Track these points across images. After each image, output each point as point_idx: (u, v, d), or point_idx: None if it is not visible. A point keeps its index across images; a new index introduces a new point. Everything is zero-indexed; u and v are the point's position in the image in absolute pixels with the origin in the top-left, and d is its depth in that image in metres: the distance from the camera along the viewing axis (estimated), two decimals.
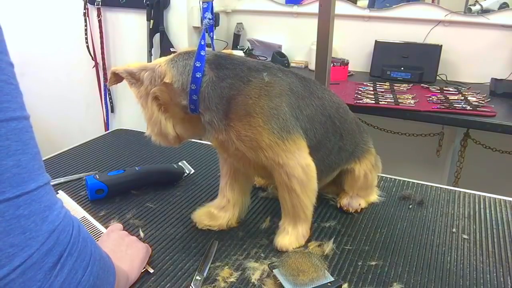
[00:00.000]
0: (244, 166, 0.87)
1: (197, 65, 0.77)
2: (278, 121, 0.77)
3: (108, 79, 0.85)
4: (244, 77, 0.78)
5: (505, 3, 2.19)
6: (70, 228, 0.45)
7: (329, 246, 0.84)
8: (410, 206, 1.02)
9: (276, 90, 0.79)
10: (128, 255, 0.74)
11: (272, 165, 0.80)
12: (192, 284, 0.73)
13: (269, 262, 0.78)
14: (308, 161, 0.81)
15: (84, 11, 2.52)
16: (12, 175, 0.40)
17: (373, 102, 1.83)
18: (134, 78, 0.81)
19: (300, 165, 0.80)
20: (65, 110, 2.89)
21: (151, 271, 0.77)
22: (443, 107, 1.77)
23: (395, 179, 1.15)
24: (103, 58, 2.62)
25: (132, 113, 2.65)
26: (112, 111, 2.77)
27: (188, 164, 1.22)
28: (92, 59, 2.62)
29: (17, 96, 0.42)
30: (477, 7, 2.20)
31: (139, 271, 0.74)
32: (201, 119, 0.81)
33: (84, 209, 0.97)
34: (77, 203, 1.00)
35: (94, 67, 2.65)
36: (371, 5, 2.48)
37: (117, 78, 0.83)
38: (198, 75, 0.77)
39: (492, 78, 2.08)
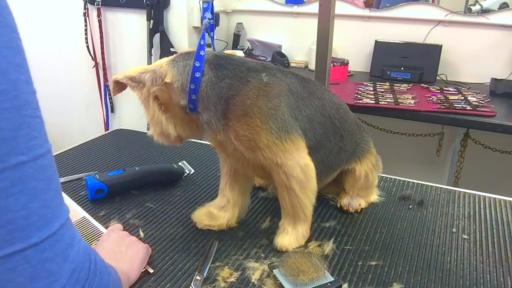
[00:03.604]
0: (243, 166, 0.87)
1: (197, 65, 0.77)
2: (276, 121, 0.77)
3: (111, 89, 0.85)
4: (243, 78, 0.78)
5: (505, 3, 2.19)
6: (88, 263, 0.45)
7: (329, 246, 0.84)
8: (410, 206, 1.02)
9: (275, 90, 0.79)
10: (128, 255, 0.74)
11: (270, 165, 0.80)
12: (192, 284, 0.73)
13: (269, 262, 0.78)
14: (307, 161, 0.81)
15: (84, 11, 2.52)
16: (38, 217, 0.40)
17: (373, 102, 1.83)
18: (135, 81, 0.81)
19: (299, 165, 0.80)
20: (65, 110, 2.89)
21: (151, 271, 0.77)
22: (443, 107, 1.77)
23: (395, 179, 1.15)
24: (103, 58, 2.62)
25: (132, 113, 2.65)
26: (112, 111, 2.77)
27: (188, 164, 1.23)
28: (92, 59, 2.62)
29: (42, 128, 0.42)
30: (477, 7, 2.20)
31: (139, 271, 0.74)
32: (200, 119, 0.81)
33: (84, 209, 0.97)
34: (77, 203, 1.00)
35: (94, 67, 2.65)
36: (377, 5, 2.48)
37: (120, 86, 0.83)
38: (197, 74, 0.77)
39: (492, 78, 2.08)
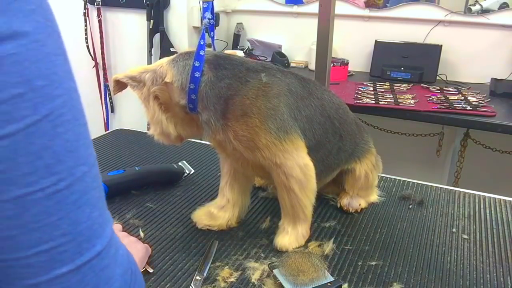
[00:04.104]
0: (242, 166, 0.87)
1: (196, 64, 0.77)
2: (276, 121, 0.77)
3: (111, 88, 0.85)
4: (242, 78, 0.78)
5: (505, 3, 2.19)
6: (129, 264, 0.45)
7: (329, 246, 0.84)
8: (410, 206, 1.02)
9: (274, 90, 0.79)
10: None
11: (270, 165, 0.80)
12: (192, 284, 0.73)
13: (269, 262, 0.78)
14: (306, 161, 0.81)
15: (84, 11, 2.52)
16: (98, 226, 0.40)
17: (373, 102, 1.83)
18: (135, 81, 0.81)
19: (298, 165, 0.80)
20: None
21: (151, 271, 0.77)
22: (443, 107, 1.77)
23: (395, 179, 1.15)
24: (103, 58, 2.62)
25: (132, 113, 2.65)
26: (112, 111, 2.77)
27: (188, 164, 1.22)
28: (92, 59, 2.62)
29: (90, 135, 0.42)
30: (477, 7, 2.21)
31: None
32: (200, 119, 0.81)
33: None
34: None
35: (94, 67, 2.65)
36: (385, 5, 2.47)
37: (120, 85, 0.83)
38: (197, 74, 0.77)
39: (492, 78, 2.08)
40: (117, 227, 0.85)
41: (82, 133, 0.40)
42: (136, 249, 0.77)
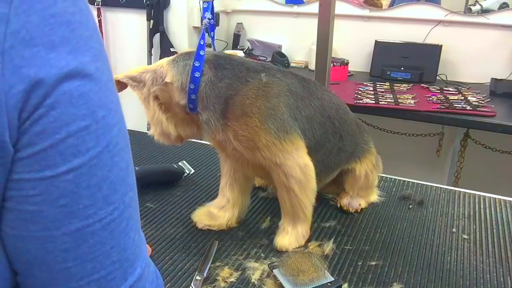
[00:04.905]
0: (242, 166, 0.87)
1: (196, 64, 0.77)
2: (275, 121, 0.77)
3: None
4: (242, 78, 0.78)
5: (505, 3, 2.19)
6: (157, 281, 0.45)
7: (329, 246, 0.84)
8: (410, 206, 1.02)
9: (274, 90, 0.79)
10: None
11: (270, 165, 0.80)
12: (192, 284, 0.73)
13: (269, 262, 0.78)
14: (306, 161, 0.81)
15: None
16: (139, 249, 0.40)
17: (373, 102, 1.83)
18: (136, 81, 0.81)
19: (298, 165, 0.80)
20: None
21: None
22: (443, 107, 1.77)
23: (395, 179, 1.15)
24: None
25: (132, 113, 2.64)
26: None
27: (188, 164, 1.22)
28: None
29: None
30: (477, 7, 2.20)
31: None
32: (200, 119, 0.81)
33: None
34: None
35: None
36: (391, 5, 2.46)
37: (120, 85, 0.83)
38: (197, 74, 0.77)
39: (492, 78, 2.08)
40: None
41: (130, 158, 0.40)
42: None
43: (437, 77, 2.28)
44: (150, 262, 0.43)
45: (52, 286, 0.36)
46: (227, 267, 0.78)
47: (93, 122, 0.34)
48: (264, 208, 1.01)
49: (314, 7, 2.20)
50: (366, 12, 2.41)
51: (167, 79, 0.79)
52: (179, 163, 1.21)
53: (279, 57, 2.49)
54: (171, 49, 2.36)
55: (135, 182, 0.40)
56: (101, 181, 0.35)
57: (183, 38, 2.41)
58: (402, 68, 2.27)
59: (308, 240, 0.87)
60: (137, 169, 1.08)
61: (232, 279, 0.75)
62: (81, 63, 0.33)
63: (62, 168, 0.33)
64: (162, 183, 1.10)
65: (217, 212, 0.92)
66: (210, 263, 0.79)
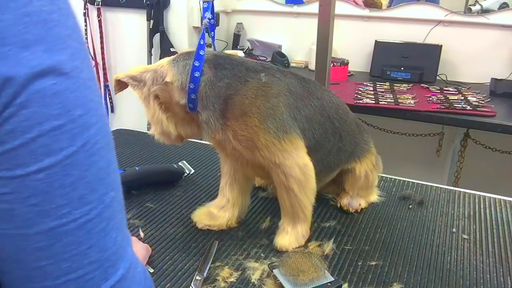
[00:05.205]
0: (242, 166, 0.87)
1: (196, 64, 0.77)
2: (275, 121, 0.77)
3: (112, 86, 0.85)
4: (242, 77, 0.78)
5: (505, 3, 2.19)
6: (145, 281, 0.44)
7: (329, 246, 0.84)
8: (410, 206, 1.02)
9: (274, 90, 0.79)
10: None
11: (269, 165, 0.80)
12: (192, 284, 0.73)
13: (269, 262, 0.78)
14: (306, 161, 0.81)
15: (84, 11, 2.52)
16: (122, 249, 0.40)
17: (373, 102, 1.83)
18: (136, 80, 0.82)
19: (297, 165, 0.80)
20: None
21: (151, 270, 0.77)
22: (443, 107, 1.77)
23: (395, 179, 1.15)
24: (103, 58, 2.62)
25: (132, 113, 2.65)
26: (112, 111, 2.77)
27: (188, 164, 1.22)
28: (92, 59, 2.62)
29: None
30: (477, 7, 2.20)
31: None
32: (199, 118, 0.81)
33: None
34: None
35: (94, 67, 2.65)
36: (389, 5, 2.47)
37: (121, 85, 0.83)
38: (197, 74, 0.77)
39: (492, 78, 2.08)
40: None
41: (112, 157, 0.39)
42: (137, 248, 0.77)
43: (437, 77, 2.28)
44: (137, 263, 0.43)
45: (28, 283, 0.36)
46: (227, 267, 0.78)
47: (68, 121, 0.34)
48: (264, 208, 1.01)
49: (314, 7, 2.20)
50: (366, 12, 2.41)
51: (167, 79, 0.79)
52: (179, 163, 1.21)
53: (279, 57, 2.49)
54: (171, 49, 2.36)
55: (118, 182, 0.40)
56: (77, 180, 0.35)
57: (183, 38, 2.41)
58: (402, 68, 2.27)
59: (308, 240, 0.87)
60: (137, 169, 1.08)
61: (232, 279, 0.75)
62: (57, 61, 0.33)
63: (33, 167, 0.33)
64: (162, 183, 1.10)
65: (217, 212, 0.92)
66: (210, 263, 0.79)
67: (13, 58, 0.31)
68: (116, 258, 0.39)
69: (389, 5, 2.45)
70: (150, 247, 0.82)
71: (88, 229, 0.36)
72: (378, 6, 2.42)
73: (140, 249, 0.77)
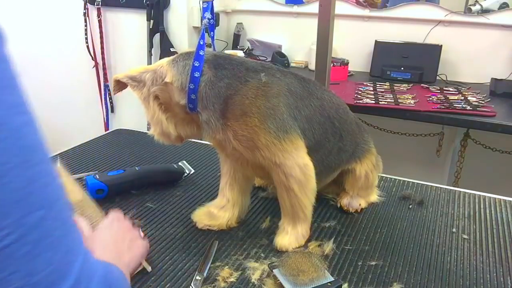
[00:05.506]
0: (242, 166, 0.87)
1: (196, 64, 0.77)
2: (275, 121, 0.77)
3: (112, 87, 0.84)
4: (242, 77, 0.78)
5: (505, 3, 2.19)
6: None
7: (329, 246, 0.84)
8: (410, 206, 1.02)
9: (274, 90, 0.79)
10: (130, 251, 0.71)
11: (269, 165, 0.80)
12: (192, 284, 0.73)
13: (269, 262, 0.78)
14: (306, 161, 0.81)
15: (84, 11, 2.52)
16: (63, 266, 0.38)
17: (373, 102, 1.83)
18: (136, 81, 0.82)
19: (297, 165, 0.80)
20: (65, 110, 2.89)
21: (149, 269, 0.77)
22: (443, 107, 1.77)
23: (395, 179, 1.15)
24: (103, 58, 2.62)
25: (132, 113, 2.65)
26: (112, 111, 2.77)
27: (188, 164, 1.22)
28: (92, 59, 2.62)
29: (52, 166, 0.39)
30: (477, 7, 2.20)
31: (134, 269, 0.73)
32: (199, 119, 0.81)
33: None
34: None
35: (94, 67, 2.65)
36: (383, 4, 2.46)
37: (120, 85, 0.83)
38: (197, 74, 0.77)
39: (492, 78, 2.08)
40: (121, 216, 0.78)
41: (36, 173, 0.36)
42: (137, 245, 0.76)
43: (437, 77, 2.28)
44: (91, 275, 0.41)
45: None
46: (227, 267, 0.78)
47: None
48: (264, 208, 1.01)
49: (314, 7, 2.20)
50: (366, 12, 2.41)
51: (167, 79, 0.79)
52: (179, 163, 1.21)
53: (279, 57, 2.49)
54: (171, 49, 2.36)
55: (53, 198, 0.37)
56: None
57: (183, 38, 2.41)
58: (402, 68, 2.27)
59: (308, 240, 0.87)
60: (137, 169, 1.08)
61: (232, 279, 0.75)
62: None
63: None
64: (162, 183, 1.10)
65: (217, 212, 0.92)
66: (210, 263, 0.79)
67: None
68: (53, 278, 0.37)
69: (384, 5, 2.43)
70: (150, 247, 0.81)
71: (6, 255, 0.34)
72: (376, 5, 2.42)
73: (140, 246, 0.76)
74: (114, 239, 0.69)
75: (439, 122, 1.87)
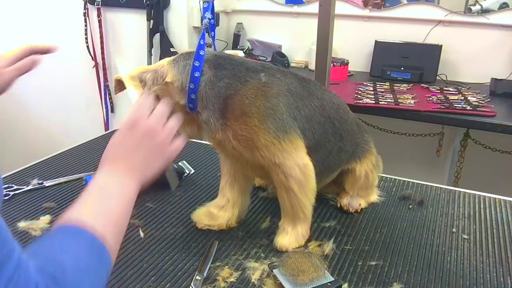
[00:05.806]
0: (242, 166, 0.87)
1: (196, 64, 0.78)
2: (275, 121, 0.77)
3: (113, 87, 0.84)
4: (242, 77, 0.78)
5: (505, 3, 2.19)
6: None
7: (329, 246, 0.84)
8: (410, 206, 1.02)
9: (274, 90, 0.79)
10: (145, 162, 0.65)
11: (269, 165, 0.80)
12: (192, 284, 0.73)
13: (269, 262, 0.78)
14: (306, 161, 0.81)
15: (84, 11, 2.52)
16: None
17: (373, 102, 1.83)
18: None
19: (297, 165, 0.80)
20: (65, 110, 2.89)
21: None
22: (443, 107, 1.77)
23: (395, 179, 1.15)
24: (103, 58, 2.61)
25: None
26: (112, 111, 2.77)
27: (188, 164, 1.22)
28: (92, 59, 2.62)
29: None
30: (477, 7, 2.20)
31: (151, 177, 0.67)
32: (199, 118, 0.81)
33: None
34: None
35: (94, 67, 2.65)
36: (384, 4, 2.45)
37: (121, 85, 0.83)
38: (197, 74, 0.77)
39: (492, 78, 2.08)
40: (144, 113, 0.67)
41: None
42: (158, 152, 0.69)
43: (437, 77, 2.28)
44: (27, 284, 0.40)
45: None
46: (227, 267, 0.78)
47: None
48: (264, 208, 1.01)
49: (314, 7, 2.20)
50: (366, 12, 2.41)
51: (168, 79, 0.79)
52: (179, 163, 1.21)
53: (279, 57, 2.49)
54: (171, 49, 2.35)
55: None
56: None
57: (183, 38, 2.41)
58: (402, 68, 2.27)
59: (308, 240, 0.87)
60: None
61: (232, 279, 0.75)
62: None
63: None
64: (162, 183, 1.10)
65: (217, 212, 0.92)
66: (210, 263, 0.79)
67: None
68: None
69: (384, 5, 2.43)
70: (150, 247, 0.81)
71: None
72: (379, 5, 2.41)
73: (161, 152, 0.69)
74: (127, 155, 0.63)
75: (439, 122, 1.86)
